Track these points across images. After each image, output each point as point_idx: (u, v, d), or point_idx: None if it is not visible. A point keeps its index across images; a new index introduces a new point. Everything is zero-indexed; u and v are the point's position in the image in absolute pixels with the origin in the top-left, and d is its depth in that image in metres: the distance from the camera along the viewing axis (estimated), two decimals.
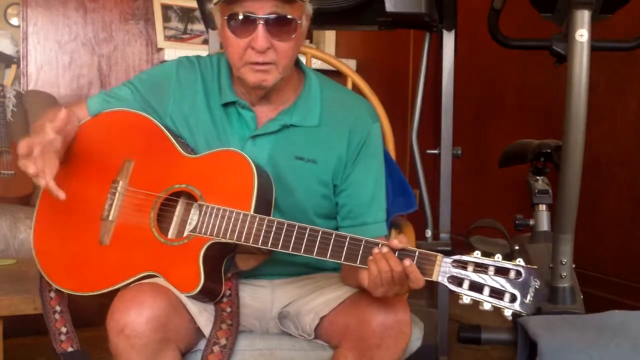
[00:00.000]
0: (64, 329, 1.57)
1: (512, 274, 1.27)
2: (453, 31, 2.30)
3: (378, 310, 1.41)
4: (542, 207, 2.48)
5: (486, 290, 1.28)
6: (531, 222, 2.49)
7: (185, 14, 3.82)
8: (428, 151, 2.41)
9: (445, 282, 1.29)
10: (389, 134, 1.96)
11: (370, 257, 1.33)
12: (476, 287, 1.28)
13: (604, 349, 1.72)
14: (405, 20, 2.22)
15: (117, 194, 1.57)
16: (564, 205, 1.97)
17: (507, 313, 1.27)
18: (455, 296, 1.31)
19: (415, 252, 1.32)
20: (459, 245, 2.36)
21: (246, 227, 1.42)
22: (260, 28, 1.44)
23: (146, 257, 1.50)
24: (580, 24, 1.85)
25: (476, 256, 1.29)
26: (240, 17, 1.45)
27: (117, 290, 1.46)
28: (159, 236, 1.51)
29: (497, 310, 1.28)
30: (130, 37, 3.79)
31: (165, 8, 3.78)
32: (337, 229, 1.58)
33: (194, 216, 1.53)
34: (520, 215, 2.52)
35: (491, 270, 1.28)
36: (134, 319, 1.36)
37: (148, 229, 1.52)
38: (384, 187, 1.64)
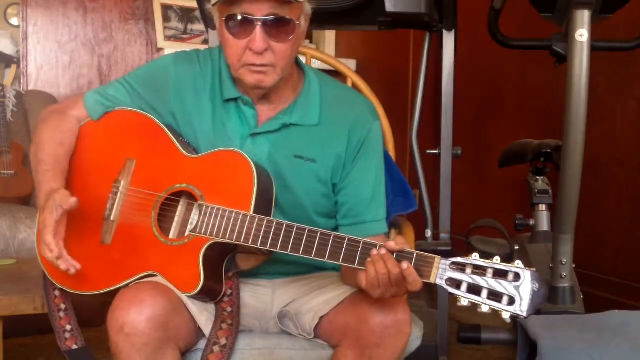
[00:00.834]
0: (68, 327, 1.57)
1: (510, 277, 1.26)
2: (453, 31, 2.30)
3: (377, 309, 1.41)
4: (542, 207, 2.48)
5: (484, 293, 1.27)
6: (531, 222, 2.49)
7: (185, 14, 3.82)
8: (428, 151, 2.41)
9: (443, 284, 1.29)
10: (389, 134, 1.96)
11: (369, 259, 1.33)
12: (474, 289, 1.27)
13: (604, 349, 1.72)
14: (405, 20, 2.22)
15: (118, 194, 1.57)
16: (564, 205, 1.97)
17: (506, 315, 1.26)
18: (455, 297, 1.31)
19: (413, 254, 1.31)
20: (459, 245, 2.36)
21: (245, 227, 1.42)
22: (258, 30, 1.44)
23: (147, 257, 1.50)
24: (580, 24, 1.85)
25: (474, 258, 1.29)
26: (239, 18, 1.45)
27: (118, 289, 1.47)
28: (160, 236, 1.51)
29: (496, 313, 1.28)
30: (130, 37, 3.80)
31: (165, 8, 3.79)
32: (337, 227, 1.58)
33: (194, 216, 1.53)
34: (520, 215, 2.52)
35: (489, 272, 1.27)
36: (135, 317, 1.36)
37: (149, 228, 1.52)
38: (383, 185, 1.63)
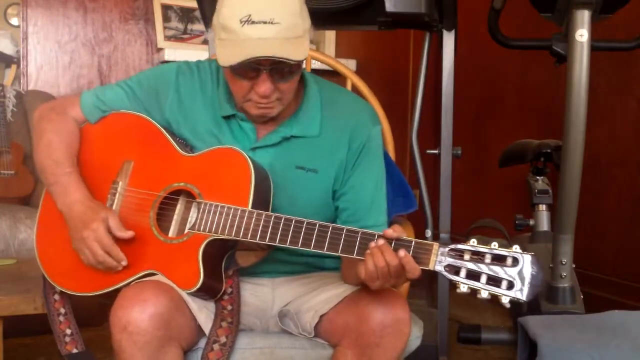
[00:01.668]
0: (68, 331, 1.57)
1: (508, 261, 1.28)
2: (453, 31, 2.30)
3: (377, 308, 1.41)
4: (542, 207, 2.48)
5: (483, 278, 1.28)
6: (531, 222, 2.49)
7: (185, 14, 3.82)
8: (428, 151, 2.41)
9: (442, 270, 1.30)
10: (389, 135, 1.96)
11: (368, 251, 1.33)
12: (473, 275, 1.28)
13: (604, 349, 1.72)
14: (405, 20, 2.22)
15: (117, 195, 1.57)
16: (564, 205, 1.97)
17: (505, 300, 1.27)
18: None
19: (412, 241, 1.32)
20: None
21: (244, 222, 1.43)
22: (264, 76, 1.43)
23: (147, 256, 1.50)
24: (580, 24, 1.85)
25: (472, 244, 1.30)
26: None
27: (119, 289, 1.47)
28: (159, 235, 1.51)
29: (495, 299, 1.28)
30: (130, 37, 3.80)
31: (165, 8, 3.79)
32: None
33: (193, 214, 1.53)
34: (520, 215, 2.52)
35: (488, 258, 1.28)
36: (137, 316, 1.37)
37: (148, 228, 1.52)
38: (384, 190, 1.63)
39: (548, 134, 2.67)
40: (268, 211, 1.46)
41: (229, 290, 1.53)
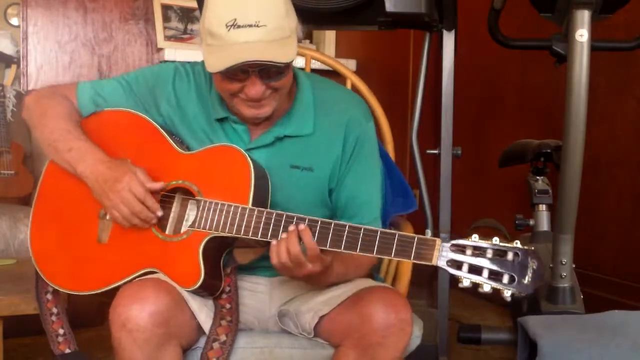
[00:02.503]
0: (61, 331, 1.57)
1: (509, 256, 1.30)
2: (453, 31, 2.30)
3: (380, 308, 1.41)
4: (542, 207, 2.48)
5: (485, 273, 1.30)
6: (531, 222, 2.49)
7: (185, 14, 3.81)
8: (428, 151, 2.41)
9: (444, 266, 1.32)
10: (389, 134, 1.96)
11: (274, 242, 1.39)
12: (475, 269, 1.30)
13: (604, 349, 1.72)
14: (405, 20, 2.22)
15: None
16: (564, 205, 1.97)
17: (507, 294, 1.29)
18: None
19: (414, 237, 1.33)
20: None
21: (245, 220, 1.43)
22: (254, 78, 1.43)
23: (145, 253, 1.50)
24: (580, 24, 1.85)
25: (474, 240, 1.32)
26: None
27: (117, 288, 1.46)
28: (158, 233, 1.51)
29: (497, 293, 1.30)
30: (130, 37, 3.79)
31: (165, 8, 3.78)
32: None
33: (190, 212, 1.53)
34: (520, 215, 2.52)
35: (489, 252, 1.30)
36: (137, 313, 1.36)
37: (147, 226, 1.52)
38: (379, 186, 1.64)
39: (548, 134, 2.67)
40: (267, 208, 1.46)
41: (227, 288, 1.53)
